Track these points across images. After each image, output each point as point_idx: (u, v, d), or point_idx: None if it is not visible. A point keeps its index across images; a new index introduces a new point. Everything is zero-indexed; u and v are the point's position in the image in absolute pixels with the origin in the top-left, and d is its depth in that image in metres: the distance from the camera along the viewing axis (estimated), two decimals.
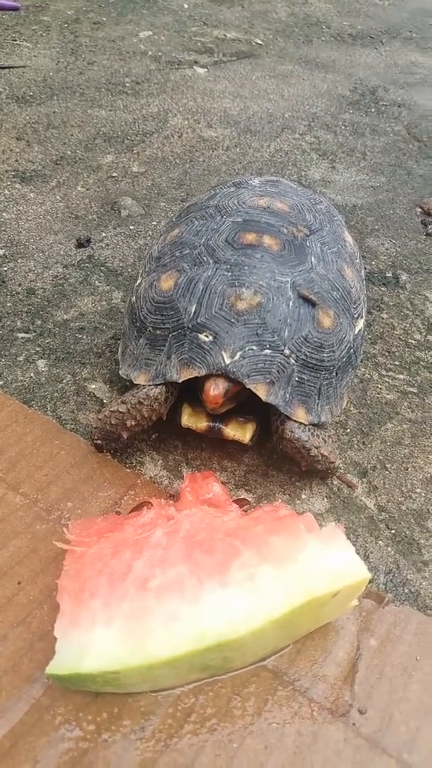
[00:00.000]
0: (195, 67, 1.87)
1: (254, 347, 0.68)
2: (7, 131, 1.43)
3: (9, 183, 1.26)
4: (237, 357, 0.67)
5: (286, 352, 0.69)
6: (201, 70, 1.86)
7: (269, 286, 0.70)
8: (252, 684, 0.59)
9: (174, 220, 0.85)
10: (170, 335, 0.71)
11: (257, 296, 0.69)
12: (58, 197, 1.24)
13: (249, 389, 0.68)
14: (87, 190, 1.28)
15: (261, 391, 0.68)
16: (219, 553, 0.59)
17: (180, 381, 0.68)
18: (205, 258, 0.72)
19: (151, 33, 2.06)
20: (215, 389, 0.65)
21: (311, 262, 0.74)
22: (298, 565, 0.58)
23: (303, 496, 0.77)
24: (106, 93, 1.66)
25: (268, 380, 0.68)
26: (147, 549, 0.59)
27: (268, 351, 0.68)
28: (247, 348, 0.68)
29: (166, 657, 0.53)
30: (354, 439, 0.85)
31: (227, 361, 0.67)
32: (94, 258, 1.10)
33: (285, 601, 0.56)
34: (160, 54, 1.92)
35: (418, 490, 0.79)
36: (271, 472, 0.79)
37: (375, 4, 2.64)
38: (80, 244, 1.11)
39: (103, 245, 1.13)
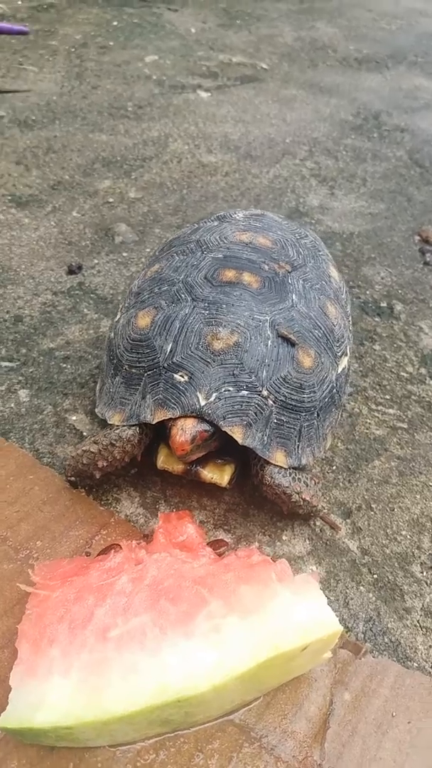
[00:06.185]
0: (198, 91, 1.88)
1: (230, 388, 0.66)
2: (7, 155, 1.43)
3: (4, 208, 1.26)
4: (212, 398, 0.66)
5: (264, 393, 0.67)
6: (204, 94, 1.87)
7: (247, 325, 0.69)
8: (216, 740, 0.56)
9: (156, 254, 0.83)
10: (145, 374, 0.69)
11: (234, 335, 0.68)
12: (52, 222, 1.24)
13: (225, 432, 0.66)
14: (82, 215, 1.27)
15: (237, 434, 0.66)
16: (185, 602, 0.57)
17: (154, 422, 0.67)
18: (183, 295, 0.71)
19: (156, 57, 2.07)
20: (182, 435, 0.63)
21: (292, 300, 0.73)
22: (266, 617, 0.56)
23: (284, 537, 0.75)
24: (107, 117, 1.66)
25: (245, 422, 0.66)
26: (111, 596, 0.57)
27: (245, 392, 0.67)
28: (223, 389, 0.66)
29: (122, 712, 0.51)
30: (340, 476, 0.83)
31: (202, 402, 0.65)
32: (85, 285, 1.09)
33: (250, 655, 0.54)
34: (164, 78, 1.93)
35: (404, 533, 0.77)
36: (252, 511, 0.77)
37: (382, 28, 2.65)
38: (71, 271, 1.10)
39: (95, 272, 1.12)
